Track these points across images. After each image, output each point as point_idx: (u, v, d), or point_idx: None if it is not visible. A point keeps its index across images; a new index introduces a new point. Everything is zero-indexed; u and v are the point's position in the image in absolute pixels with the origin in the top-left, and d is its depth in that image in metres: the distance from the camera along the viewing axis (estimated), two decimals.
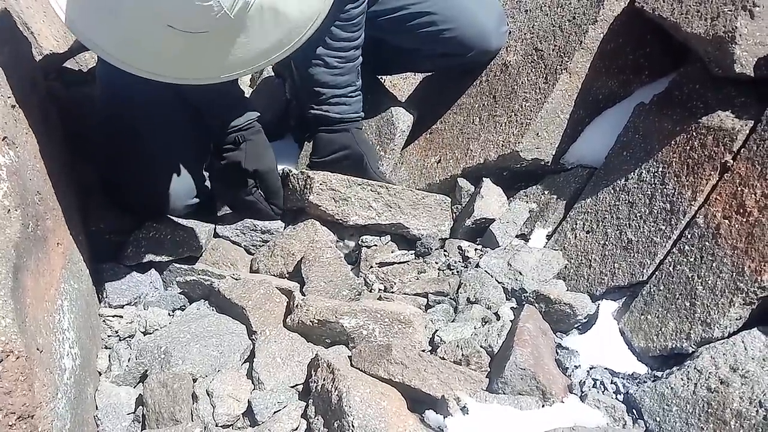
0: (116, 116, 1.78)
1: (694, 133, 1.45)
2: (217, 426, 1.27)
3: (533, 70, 1.86)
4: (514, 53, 1.96)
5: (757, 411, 1.09)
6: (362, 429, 1.11)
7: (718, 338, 1.23)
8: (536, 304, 1.47)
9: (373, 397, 1.16)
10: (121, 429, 1.33)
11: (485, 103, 1.99)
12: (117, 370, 1.44)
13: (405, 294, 1.60)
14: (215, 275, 1.64)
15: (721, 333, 1.23)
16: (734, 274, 1.24)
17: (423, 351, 1.35)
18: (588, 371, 1.33)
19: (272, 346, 1.38)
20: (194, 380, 1.35)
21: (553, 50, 1.83)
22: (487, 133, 1.92)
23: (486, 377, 1.28)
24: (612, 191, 1.58)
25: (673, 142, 1.49)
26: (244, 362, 1.43)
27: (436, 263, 1.72)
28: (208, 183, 1.93)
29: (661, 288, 1.37)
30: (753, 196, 1.28)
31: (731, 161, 1.36)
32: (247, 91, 2.62)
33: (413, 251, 1.79)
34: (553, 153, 1.81)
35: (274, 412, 1.27)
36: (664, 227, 1.43)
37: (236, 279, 1.59)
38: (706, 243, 1.33)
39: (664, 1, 1.54)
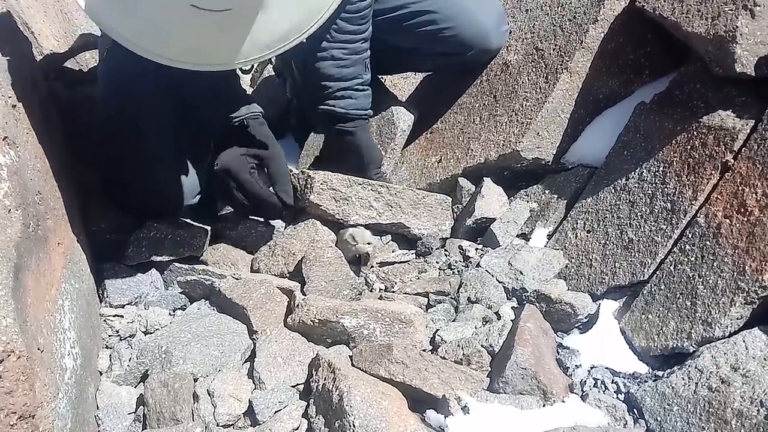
0: (117, 116, 1.78)
1: (694, 133, 1.45)
2: (218, 425, 1.27)
3: (534, 69, 1.86)
4: (515, 53, 1.96)
5: (758, 410, 1.09)
6: (363, 428, 1.11)
7: (719, 338, 1.23)
8: (537, 304, 1.47)
9: (374, 397, 1.16)
10: (122, 428, 1.33)
11: (486, 102, 1.99)
12: (118, 369, 1.44)
13: (406, 293, 1.61)
14: (216, 275, 1.64)
15: (722, 332, 1.23)
16: (735, 273, 1.24)
17: (424, 350, 1.35)
18: (589, 371, 1.33)
19: (273, 346, 1.38)
20: (195, 380, 1.35)
21: (553, 50, 1.83)
22: (488, 133, 1.92)
23: (487, 377, 1.28)
24: (613, 191, 1.58)
25: (673, 142, 1.49)
26: (245, 362, 1.43)
27: (437, 263, 1.72)
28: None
29: (662, 287, 1.37)
30: (754, 195, 1.28)
31: (732, 160, 1.36)
32: (248, 91, 2.62)
33: (414, 251, 1.79)
34: (554, 152, 1.81)
35: (275, 412, 1.27)
36: (665, 226, 1.43)
37: (237, 279, 1.59)
38: (707, 242, 1.33)
39: (664, 1, 1.54)
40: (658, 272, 1.41)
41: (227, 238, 1.90)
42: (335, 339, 1.42)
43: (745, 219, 1.28)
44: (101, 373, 1.44)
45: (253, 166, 1.74)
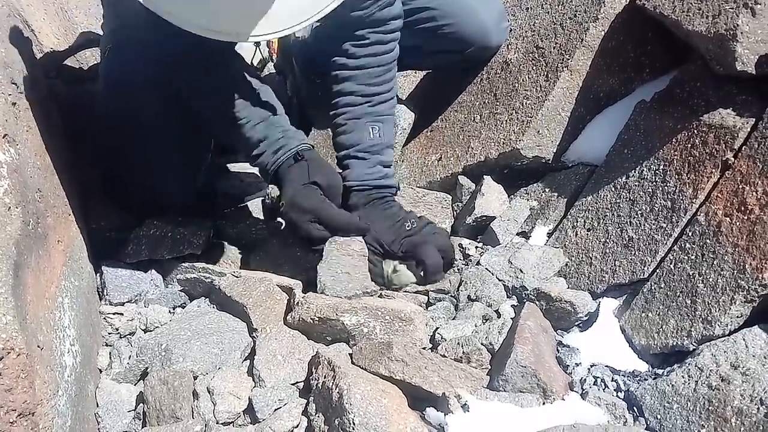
0: (118, 114, 1.78)
1: (695, 131, 1.45)
2: (217, 423, 1.26)
3: (534, 67, 1.86)
4: (515, 51, 1.96)
5: (758, 408, 1.09)
6: (363, 426, 1.11)
7: (719, 336, 1.23)
8: (537, 302, 1.47)
9: (373, 395, 1.16)
10: (121, 426, 1.33)
11: (486, 100, 1.99)
12: (118, 367, 1.44)
13: (406, 291, 1.60)
14: (216, 273, 1.64)
15: (722, 331, 1.23)
16: (735, 271, 1.24)
17: (424, 348, 1.35)
18: (589, 369, 1.33)
19: (273, 344, 1.38)
20: (195, 377, 1.35)
21: (554, 48, 1.82)
22: (488, 131, 1.92)
23: (487, 375, 1.28)
24: (613, 189, 1.58)
25: (674, 140, 1.49)
26: (245, 360, 1.42)
27: None
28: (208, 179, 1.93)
29: (662, 286, 1.37)
30: (754, 193, 1.28)
31: (732, 159, 1.36)
32: None
33: None
34: (554, 151, 1.81)
35: (275, 410, 1.27)
36: (665, 225, 1.43)
37: (237, 276, 1.59)
38: (707, 241, 1.32)
39: None
40: (658, 270, 1.41)
41: (227, 235, 1.90)
42: (335, 337, 1.42)
43: (746, 217, 1.28)
44: (101, 371, 1.44)
45: (320, 192, 1.63)
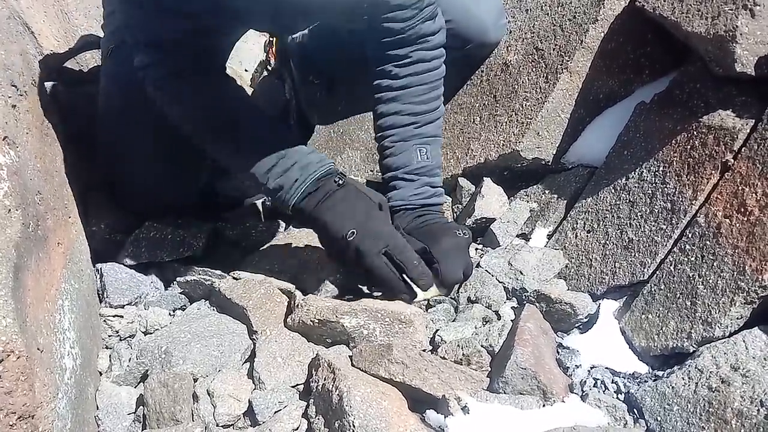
0: (118, 115, 1.78)
1: (694, 132, 1.45)
2: (217, 426, 1.27)
3: (534, 69, 1.86)
4: (515, 52, 1.96)
5: (758, 410, 1.09)
6: (363, 429, 1.11)
7: (719, 337, 1.23)
8: (537, 304, 1.47)
9: (373, 397, 1.16)
10: (121, 429, 1.33)
11: (486, 102, 1.99)
12: (118, 370, 1.44)
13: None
14: (216, 275, 1.64)
15: (722, 332, 1.23)
16: (735, 273, 1.24)
17: (424, 350, 1.35)
18: (589, 371, 1.33)
19: (273, 346, 1.38)
20: (195, 380, 1.35)
21: (553, 49, 1.82)
22: (488, 133, 1.92)
23: (487, 377, 1.28)
24: (613, 190, 1.58)
25: (673, 142, 1.49)
26: (245, 362, 1.42)
27: None
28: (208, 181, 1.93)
29: (662, 287, 1.37)
30: (754, 195, 1.28)
31: (732, 160, 1.36)
32: (248, 91, 2.62)
33: None
34: (554, 152, 1.81)
35: (275, 412, 1.27)
36: (665, 226, 1.43)
37: (237, 279, 1.59)
38: (707, 242, 1.32)
39: (664, 1, 1.54)
40: (658, 272, 1.41)
41: (227, 238, 1.90)
42: (335, 339, 1.42)
43: (745, 219, 1.28)
44: (101, 374, 1.44)
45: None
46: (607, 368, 1.33)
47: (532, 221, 1.76)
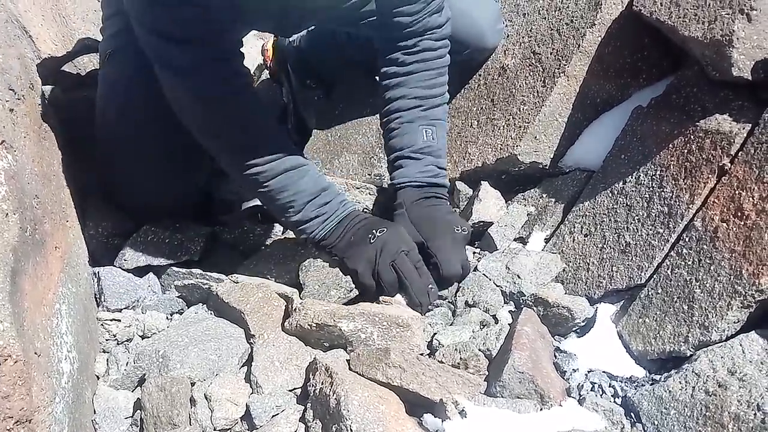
0: (117, 120, 1.78)
1: (691, 137, 1.46)
2: (215, 430, 1.26)
3: (531, 73, 1.87)
4: (512, 57, 1.96)
5: (755, 414, 1.09)
6: None
7: (716, 341, 1.23)
8: (534, 308, 1.47)
9: (371, 401, 1.16)
10: None
11: (483, 106, 1.99)
12: (115, 374, 1.44)
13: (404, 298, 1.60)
14: (213, 279, 1.64)
15: (719, 336, 1.23)
16: (732, 277, 1.24)
17: (421, 354, 1.35)
18: (586, 374, 1.33)
19: (270, 350, 1.38)
20: (192, 384, 1.35)
21: (551, 54, 1.83)
22: (485, 137, 1.92)
23: (484, 381, 1.28)
24: (610, 194, 1.59)
25: (670, 146, 1.50)
26: (242, 366, 1.42)
27: None
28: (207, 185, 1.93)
29: (659, 291, 1.37)
30: (750, 199, 1.28)
31: (729, 164, 1.36)
32: None
33: None
34: (551, 156, 1.81)
35: (273, 416, 1.27)
36: (662, 230, 1.43)
37: (234, 282, 1.59)
38: (704, 246, 1.33)
39: (661, 5, 1.55)
40: (655, 276, 1.41)
41: (225, 241, 1.90)
42: (333, 343, 1.42)
43: (742, 223, 1.28)
44: (98, 378, 1.44)
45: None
46: (604, 372, 1.34)
47: (530, 225, 1.76)
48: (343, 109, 2.35)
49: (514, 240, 1.76)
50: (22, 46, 1.76)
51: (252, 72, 2.92)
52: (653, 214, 1.46)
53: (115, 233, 1.80)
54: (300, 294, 1.56)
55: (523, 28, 1.98)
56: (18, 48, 1.66)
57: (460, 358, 1.33)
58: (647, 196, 1.49)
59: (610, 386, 1.29)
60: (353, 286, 1.56)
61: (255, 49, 2.81)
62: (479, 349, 1.35)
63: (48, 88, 1.87)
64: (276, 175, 1.56)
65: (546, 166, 1.81)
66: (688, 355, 1.26)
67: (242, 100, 1.57)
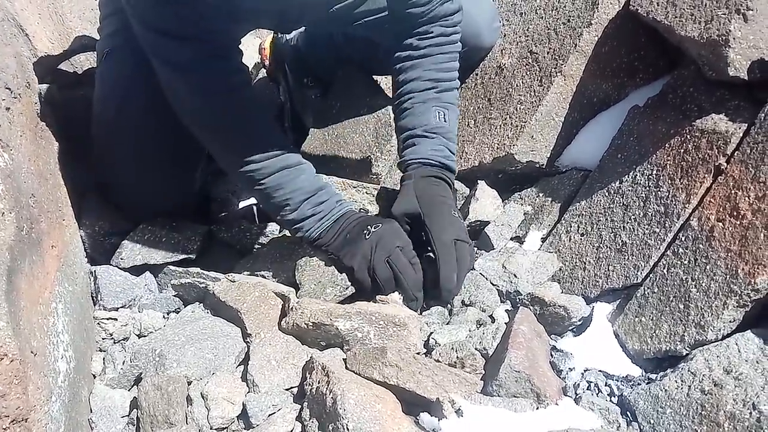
0: (114, 119, 1.78)
1: (688, 136, 1.46)
2: (211, 429, 1.26)
3: (528, 72, 1.87)
4: (509, 56, 1.96)
5: (750, 413, 1.09)
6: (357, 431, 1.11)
7: (712, 341, 1.24)
8: (531, 307, 1.47)
9: (367, 400, 1.16)
10: None
11: (480, 105, 1.99)
12: (111, 372, 1.44)
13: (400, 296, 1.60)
14: (210, 278, 1.63)
15: (715, 335, 1.23)
16: (728, 276, 1.25)
17: (418, 353, 1.35)
18: (582, 373, 1.33)
19: (267, 349, 1.38)
20: (189, 383, 1.35)
21: (547, 53, 1.83)
22: (482, 136, 1.92)
23: (481, 380, 1.28)
24: (606, 194, 1.59)
25: (667, 145, 1.50)
26: (239, 365, 1.42)
27: None
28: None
29: (655, 290, 1.37)
30: (746, 198, 1.29)
31: (725, 164, 1.36)
32: None
33: None
34: (548, 155, 1.81)
35: (269, 415, 1.27)
36: (658, 230, 1.43)
37: (231, 281, 1.59)
38: (700, 245, 1.33)
39: (658, 5, 1.55)
40: (651, 275, 1.41)
41: (222, 240, 1.90)
42: (329, 342, 1.42)
43: (738, 222, 1.28)
44: (95, 376, 1.44)
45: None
46: (600, 371, 1.34)
47: (526, 224, 1.77)
48: (340, 108, 2.35)
49: (511, 239, 1.76)
50: (19, 45, 1.76)
51: (249, 70, 2.92)
52: (649, 214, 1.46)
53: (111, 232, 1.80)
54: (297, 293, 1.56)
55: (520, 27, 1.98)
56: (14, 46, 1.66)
57: (457, 357, 1.33)
58: (644, 195, 1.50)
59: (606, 385, 1.29)
60: (349, 283, 1.56)
61: (252, 47, 2.80)
62: (476, 348, 1.35)
63: (45, 87, 1.86)
64: (272, 172, 1.56)
65: (543, 165, 1.82)
66: (684, 354, 1.27)
67: (240, 97, 1.58)
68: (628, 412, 1.24)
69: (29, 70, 1.71)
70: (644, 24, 1.62)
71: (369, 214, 1.72)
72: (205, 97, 1.54)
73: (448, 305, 1.56)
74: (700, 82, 1.51)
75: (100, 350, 1.52)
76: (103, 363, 1.47)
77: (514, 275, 1.56)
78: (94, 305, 1.63)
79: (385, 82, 2.48)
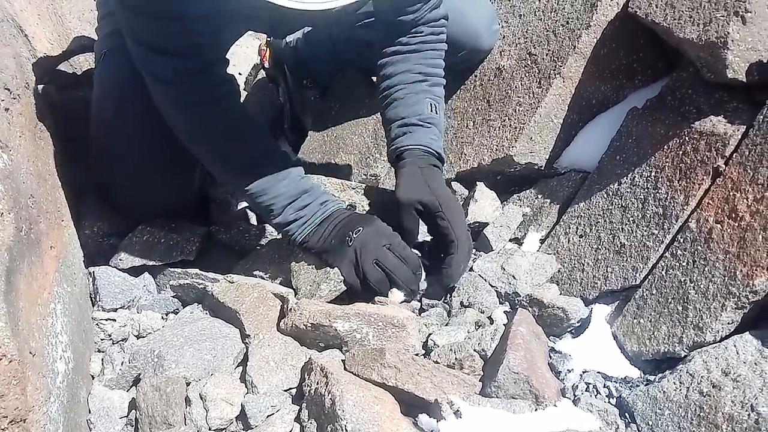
0: (113, 119, 1.78)
1: (686, 138, 1.46)
2: (210, 430, 1.26)
3: (527, 74, 1.87)
4: (508, 58, 1.96)
5: (748, 415, 1.09)
6: None
7: (710, 342, 1.24)
8: (529, 308, 1.48)
9: (366, 401, 1.16)
10: None
11: (479, 107, 1.99)
12: (110, 373, 1.44)
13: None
14: (209, 279, 1.63)
15: (713, 337, 1.23)
16: (726, 278, 1.25)
17: (416, 355, 1.35)
18: (581, 375, 1.33)
19: (266, 350, 1.38)
20: (187, 384, 1.35)
21: (546, 55, 1.83)
22: (481, 138, 1.92)
23: (479, 381, 1.28)
24: (605, 196, 1.59)
25: (665, 147, 1.50)
26: (238, 366, 1.42)
27: None
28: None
29: (654, 292, 1.38)
30: (745, 200, 1.29)
31: (723, 166, 1.36)
32: (242, 95, 2.62)
33: None
34: (547, 157, 1.81)
35: (268, 416, 1.27)
36: (656, 232, 1.43)
37: (230, 282, 1.59)
38: (699, 247, 1.33)
39: (657, 7, 1.55)
40: (650, 277, 1.41)
41: (220, 241, 1.90)
42: (328, 343, 1.42)
43: (736, 224, 1.28)
44: (93, 377, 1.44)
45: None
46: (599, 373, 1.34)
47: (525, 226, 1.77)
48: (340, 110, 2.36)
49: (510, 241, 1.76)
50: (18, 45, 1.76)
51: (248, 72, 2.92)
52: (648, 215, 1.46)
53: (110, 233, 1.80)
54: (295, 296, 1.56)
55: (518, 29, 1.98)
56: (14, 47, 1.66)
57: (456, 359, 1.33)
58: (642, 197, 1.50)
59: (604, 387, 1.29)
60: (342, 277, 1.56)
61: (251, 48, 2.81)
62: (474, 350, 1.35)
63: (43, 87, 1.86)
64: (256, 178, 1.57)
65: (541, 167, 1.82)
66: (683, 355, 1.27)
67: (224, 108, 1.60)
68: (626, 414, 1.24)
69: (28, 71, 1.71)
70: (643, 26, 1.62)
71: (355, 211, 1.71)
72: (187, 109, 1.57)
73: (447, 306, 1.56)
74: (699, 84, 1.52)
75: (99, 351, 1.52)
76: (102, 364, 1.47)
77: (513, 277, 1.56)
78: (93, 306, 1.63)
79: None
